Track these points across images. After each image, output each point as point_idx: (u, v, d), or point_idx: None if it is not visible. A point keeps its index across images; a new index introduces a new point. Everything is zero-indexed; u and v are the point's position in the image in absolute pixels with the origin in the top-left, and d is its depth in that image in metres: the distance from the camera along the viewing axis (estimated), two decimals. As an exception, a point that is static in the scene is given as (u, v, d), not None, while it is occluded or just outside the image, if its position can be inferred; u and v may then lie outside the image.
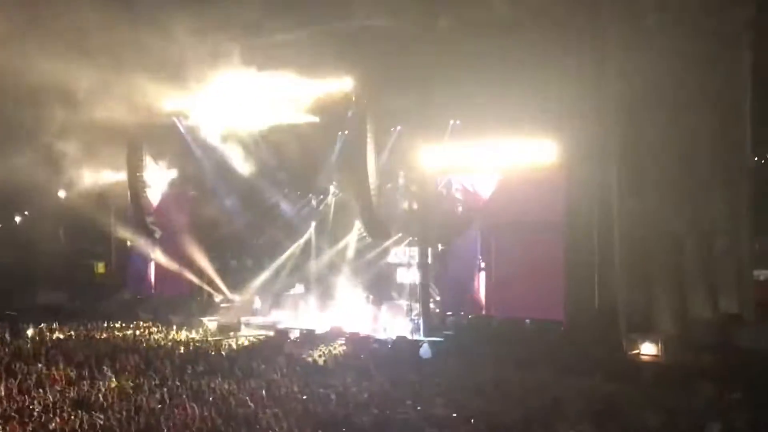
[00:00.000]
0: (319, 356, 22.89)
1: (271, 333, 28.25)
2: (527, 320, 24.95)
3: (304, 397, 16.98)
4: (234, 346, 24.94)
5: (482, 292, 26.32)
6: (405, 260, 30.01)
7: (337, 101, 28.89)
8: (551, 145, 24.70)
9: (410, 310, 28.64)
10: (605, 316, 23.21)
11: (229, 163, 32.25)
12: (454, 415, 14.89)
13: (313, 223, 33.17)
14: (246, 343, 25.99)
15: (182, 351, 23.08)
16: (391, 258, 30.96)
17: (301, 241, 33.14)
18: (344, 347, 24.29)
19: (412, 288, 29.10)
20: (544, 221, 24.63)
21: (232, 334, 28.02)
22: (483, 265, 26.97)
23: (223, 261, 33.55)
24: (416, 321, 27.81)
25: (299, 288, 32.82)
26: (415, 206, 28.75)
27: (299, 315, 31.07)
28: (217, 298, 33.04)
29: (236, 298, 32.75)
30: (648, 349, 22.73)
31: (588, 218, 23.59)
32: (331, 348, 24.33)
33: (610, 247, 23.30)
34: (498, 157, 26.13)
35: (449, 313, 27.48)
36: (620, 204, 23.23)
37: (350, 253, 31.96)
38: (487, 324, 25.88)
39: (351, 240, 32.05)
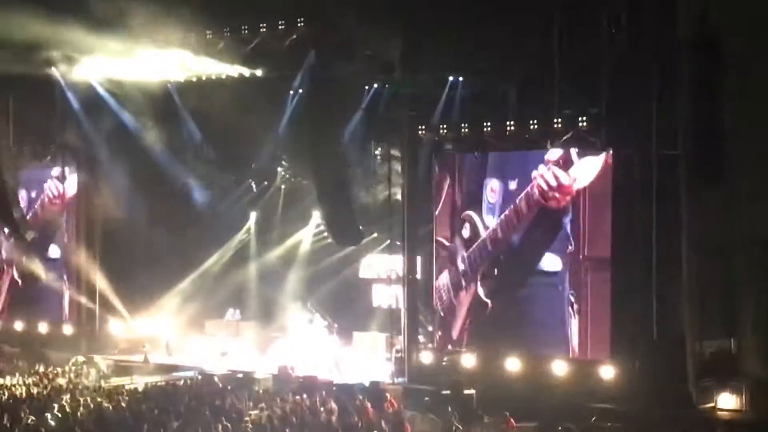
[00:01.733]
0: (260, 413, 22.30)
1: (192, 376, 27.98)
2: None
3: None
4: (138, 396, 24.26)
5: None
6: (383, 273, 30.20)
7: (287, 46, 28.55)
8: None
9: (391, 344, 28.49)
10: (667, 358, 23.50)
11: (130, 134, 32.26)
12: None
13: (253, 217, 33.76)
14: (155, 391, 25.35)
15: (64, 404, 22.33)
16: (364, 270, 31.57)
17: (234, 242, 33.78)
18: (296, 398, 23.76)
19: (392, 313, 29.17)
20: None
21: (136, 377, 27.84)
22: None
23: (123, 273, 33.53)
24: (398, 360, 27.70)
25: (231, 312, 33.15)
26: (398, 195, 28.60)
27: (232, 350, 30.97)
28: (115, 326, 32.98)
29: (141, 325, 32.74)
30: (727, 402, 23.13)
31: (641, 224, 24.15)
32: (279, 400, 23.75)
33: (673, 266, 23.52)
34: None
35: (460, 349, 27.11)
36: (690, 203, 23.36)
37: (305, 260, 32.61)
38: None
39: (305, 241, 32.69)
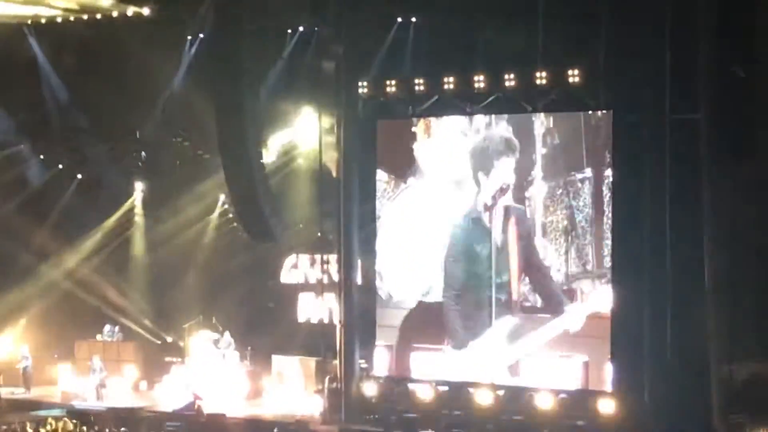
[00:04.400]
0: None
1: (59, 416, 27.55)
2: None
3: None
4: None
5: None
6: (312, 277, 30.73)
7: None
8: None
9: (323, 369, 28.65)
10: (686, 387, 23.53)
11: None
12: None
13: (138, 200, 33.95)
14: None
15: None
16: (287, 273, 31.86)
17: (112, 237, 33.85)
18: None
19: (322, 332, 29.40)
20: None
21: None
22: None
23: None
24: (335, 391, 27.81)
25: (109, 329, 33.09)
26: (332, 173, 28.94)
27: (111, 380, 30.83)
28: None
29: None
30: (764, 440, 23.33)
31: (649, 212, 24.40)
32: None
33: (692, 267, 23.56)
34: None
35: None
36: (713, 184, 23.49)
37: (209, 260, 32.87)
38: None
39: (208, 235, 33.00)
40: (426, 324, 27.03)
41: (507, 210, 25.78)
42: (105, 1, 29.91)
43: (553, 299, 25.25)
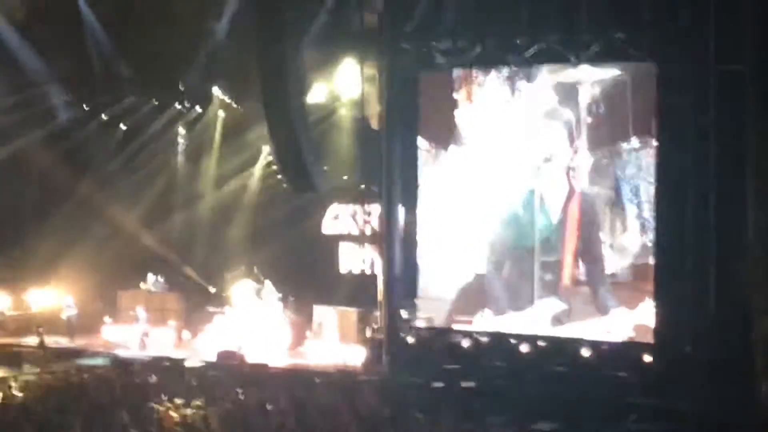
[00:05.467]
0: (194, 412, 22.32)
1: (102, 365, 28.06)
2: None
3: None
4: (31, 392, 24.19)
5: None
6: (354, 228, 30.88)
7: None
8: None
9: (365, 320, 28.73)
10: (729, 341, 23.34)
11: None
12: None
13: (180, 153, 34.39)
14: (54, 385, 25.21)
15: None
16: (329, 224, 31.94)
17: (156, 187, 34.20)
18: (242, 394, 23.82)
19: (364, 283, 29.45)
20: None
21: (27, 368, 27.96)
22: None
23: (6, 232, 34.04)
24: (377, 342, 27.98)
25: (152, 279, 33.36)
26: (374, 125, 28.81)
27: (154, 330, 31.30)
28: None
29: (34, 300, 33.15)
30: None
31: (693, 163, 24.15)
32: (220, 395, 23.78)
33: (736, 216, 23.33)
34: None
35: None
36: (759, 136, 23.17)
37: (251, 211, 33.17)
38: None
39: (251, 186, 33.20)
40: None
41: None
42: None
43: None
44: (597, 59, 25.05)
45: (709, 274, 23.89)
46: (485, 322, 26.76)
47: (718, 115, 23.77)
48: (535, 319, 25.77)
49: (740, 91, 23.22)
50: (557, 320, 25.48)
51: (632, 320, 24.66)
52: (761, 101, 23.00)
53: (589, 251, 25.34)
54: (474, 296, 26.91)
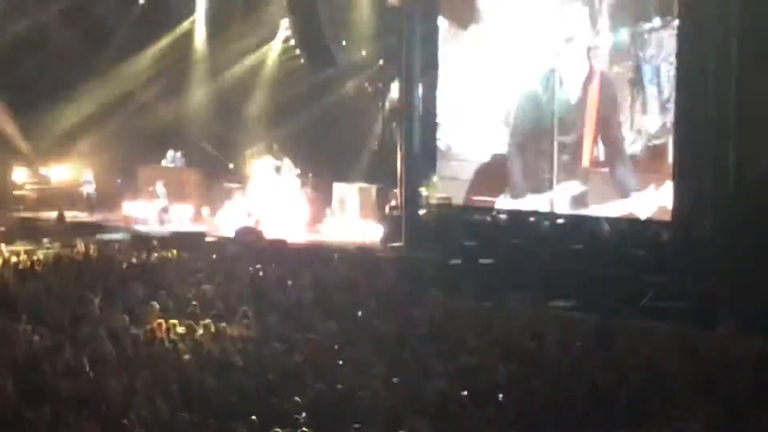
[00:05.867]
0: (213, 286, 22.52)
1: (122, 239, 28.43)
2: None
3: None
4: (52, 266, 24.40)
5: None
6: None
7: None
8: None
9: (384, 197, 28.89)
10: (751, 216, 22.85)
11: None
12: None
13: (200, 24, 34.09)
14: (73, 259, 25.48)
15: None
16: (348, 99, 31.95)
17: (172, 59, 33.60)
18: (260, 267, 24.00)
19: (384, 158, 29.84)
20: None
21: (47, 241, 27.97)
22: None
23: (26, 103, 33.55)
24: (395, 218, 28.13)
25: (172, 155, 33.43)
26: (394, 1, 28.58)
27: (174, 205, 31.63)
28: (19, 174, 33.64)
29: (54, 173, 33.41)
30: None
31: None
32: (239, 269, 23.98)
33: (759, 102, 22.97)
34: None
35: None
36: None
37: (269, 86, 33.07)
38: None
39: (269, 60, 32.98)
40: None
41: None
42: None
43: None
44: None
45: (729, 153, 23.69)
46: (504, 202, 26.87)
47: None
48: (554, 202, 25.79)
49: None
50: (576, 202, 25.43)
51: (652, 202, 24.50)
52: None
53: (608, 132, 25.10)
54: (492, 177, 26.95)
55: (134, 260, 24.89)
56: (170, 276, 23.16)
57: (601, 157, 25.34)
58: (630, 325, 19.67)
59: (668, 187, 24.26)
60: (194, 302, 19.93)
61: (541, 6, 25.98)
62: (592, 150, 25.37)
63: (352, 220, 29.76)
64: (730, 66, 23.35)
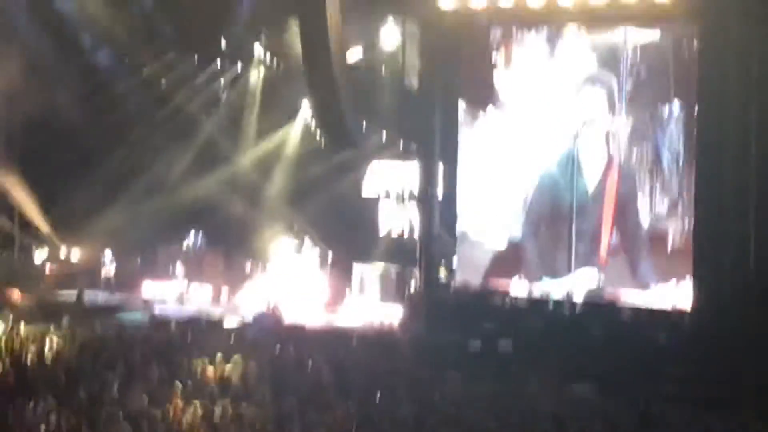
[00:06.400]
0: (232, 367, 22.42)
1: (140, 321, 28.32)
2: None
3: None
4: (70, 345, 24.35)
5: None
6: (393, 189, 30.72)
7: None
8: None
9: (404, 278, 28.88)
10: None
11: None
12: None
13: (222, 109, 34.37)
14: (92, 339, 25.46)
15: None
16: (369, 182, 31.95)
17: (196, 142, 34.04)
18: (279, 349, 23.95)
19: (403, 242, 29.69)
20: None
21: (66, 321, 27.42)
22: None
23: (51, 187, 33.50)
24: (414, 300, 28.01)
25: (192, 235, 33.32)
26: (414, 83, 28.76)
27: (193, 287, 31.49)
28: (40, 255, 33.30)
29: (75, 254, 33.11)
30: None
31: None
32: (258, 352, 23.89)
33: None
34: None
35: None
36: None
37: (290, 168, 33.19)
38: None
39: (291, 142, 33.23)
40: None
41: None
42: None
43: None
44: (639, 19, 24.84)
45: (750, 244, 23.71)
46: (521, 286, 26.79)
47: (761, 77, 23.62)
48: (572, 289, 25.75)
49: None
50: (593, 293, 25.42)
51: (672, 292, 24.57)
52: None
53: (626, 220, 25.17)
54: (510, 261, 26.86)
55: (153, 341, 24.89)
56: (189, 357, 23.15)
57: (619, 244, 25.33)
58: (652, 412, 19.62)
59: (688, 277, 24.34)
60: (214, 383, 19.99)
61: (559, 89, 26.07)
62: (610, 237, 25.36)
63: (372, 300, 29.62)
64: (749, 152, 23.52)
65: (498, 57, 27.04)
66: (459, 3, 27.09)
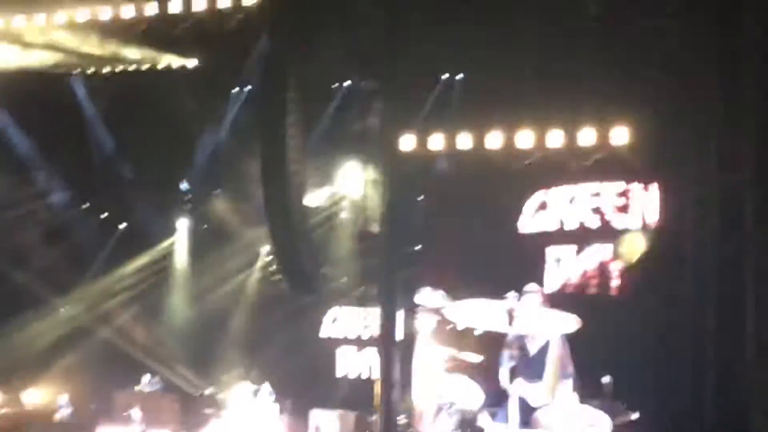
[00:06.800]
0: None
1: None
2: None
3: None
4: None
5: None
6: (352, 332, 30.75)
7: (232, 27, 27.90)
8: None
9: (363, 425, 28.67)
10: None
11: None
12: None
13: (180, 254, 34.09)
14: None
15: None
16: (328, 327, 31.95)
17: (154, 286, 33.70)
18: None
19: (362, 387, 29.45)
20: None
21: None
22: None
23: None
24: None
25: (148, 379, 32.97)
26: (375, 228, 28.92)
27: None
28: None
29: (28, 397, 32.93)
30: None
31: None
32: None
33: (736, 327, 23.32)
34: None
35: None
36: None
37: (248, 312, 33.31)
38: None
39: (249, 287, 33.42)
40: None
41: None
42: (154, 53, 29.96)
43: None
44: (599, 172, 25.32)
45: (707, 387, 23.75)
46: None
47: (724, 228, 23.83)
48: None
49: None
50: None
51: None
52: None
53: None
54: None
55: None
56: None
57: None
58: None
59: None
60: None
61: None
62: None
63: (330, 448, 29.32)
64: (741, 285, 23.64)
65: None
66: (419, 146, 27.21)
